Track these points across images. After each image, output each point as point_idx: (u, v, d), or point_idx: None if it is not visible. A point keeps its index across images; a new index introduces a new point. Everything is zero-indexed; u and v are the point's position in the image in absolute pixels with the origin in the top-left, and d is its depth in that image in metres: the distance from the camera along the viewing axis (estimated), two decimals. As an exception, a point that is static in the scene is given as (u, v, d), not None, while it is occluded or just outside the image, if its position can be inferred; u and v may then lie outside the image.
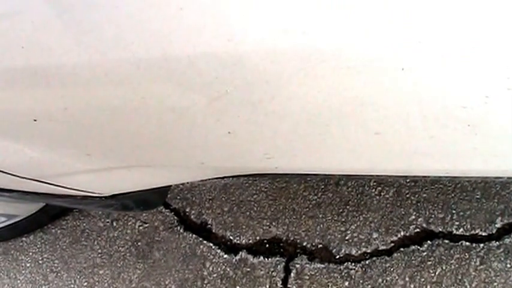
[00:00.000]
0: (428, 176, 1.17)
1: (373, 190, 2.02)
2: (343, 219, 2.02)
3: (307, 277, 1.99)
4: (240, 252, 2.12)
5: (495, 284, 1.78)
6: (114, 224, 2.35)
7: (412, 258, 1.89)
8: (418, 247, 1.90)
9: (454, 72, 0.78)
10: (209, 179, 1.43)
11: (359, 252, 1.96)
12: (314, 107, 0.89)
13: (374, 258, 1.94)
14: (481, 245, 1.83)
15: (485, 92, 0.79)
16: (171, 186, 1.60)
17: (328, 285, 1.96)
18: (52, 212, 2.34)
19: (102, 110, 0.98)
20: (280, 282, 2.03)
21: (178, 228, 2.24)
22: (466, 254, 1.84)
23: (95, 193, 1.45)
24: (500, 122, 0.86)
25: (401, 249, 1.92)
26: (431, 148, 0.97)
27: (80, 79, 0.89)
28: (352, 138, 0.97)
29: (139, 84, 0.89)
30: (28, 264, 2.43)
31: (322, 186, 2.09)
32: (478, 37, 0.72)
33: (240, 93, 0.88)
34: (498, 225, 1.84)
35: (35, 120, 1.02)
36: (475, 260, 1.82)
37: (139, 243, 2.28)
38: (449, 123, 0.87)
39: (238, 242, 2.14)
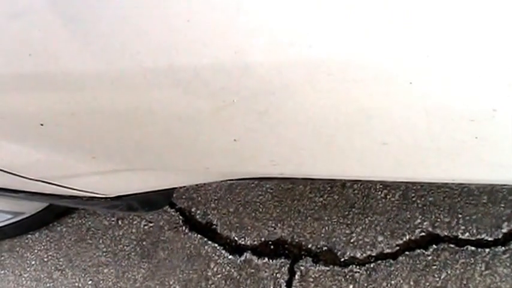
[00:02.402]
0: (435, 182, 1.17)
1: (379, 193, 2.01)
2: (348, 222, 2.01)
3: (312, 279, 1.99)
4: (245, 253, 2.12)
5: (500, 289, 1.78)
6: (120, 222, 2.35)
7: (417, 262, 1.89)
8: (424, 251, 1.90)
9: (461, 86, 0.77)
10: (215, 181, 1.43)
11: (364, 255, 1.96)
12: (320, 118, 0.89)
13: (379, 262, 1.94)
14: (487, 250, 1.83)
15: (492, 105, 0.79)
16: (176, 187, 1.61)
17: (332, 288, 1.96)
18: (58, 210, 2.35)
19: (108, 116, 0.98)
20: (285, 284, 2.03)
21: (184, 228, 2.24)
22: (472, 258, 1.83)
23: (100, 194, 1.45)
24: (508, 134, 0.86)
25: (407, 252, 1.92)
26: (438, 159, 0.96)
27: (87, 86, 0.89)
28: (359, 148, 0.97)
29: (145, 92, 0.89)
30: (33, 262, 2.44)
31: (328, 188, 2.09)
32: (486, 51, 0.72)
33: (246, 103, 0.88)
34: (504, 230, 1.83)
35: (41, 125, 1.02)
36: (480, 265, 1.82)
37: (144, 243, 2.28)
38: (457, 136, 0.87)
39: (243, 243, 2.14)
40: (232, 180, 1.39)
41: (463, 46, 0.72)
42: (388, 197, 2.00)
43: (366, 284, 1.92)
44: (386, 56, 0.75)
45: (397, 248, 1.93)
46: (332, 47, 0.75)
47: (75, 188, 1.37)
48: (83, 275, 2.33)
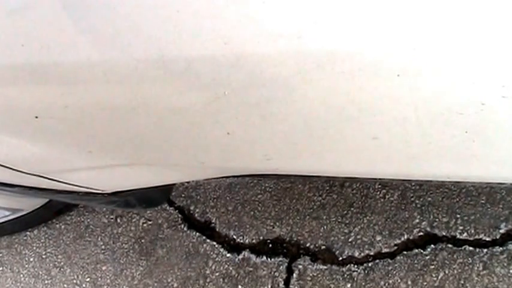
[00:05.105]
0: (432, 180, 1.17)
1: (378, 193, 2.01)
2: (347, 221, 2.01)
3: (310, 278, 1.99)
4: (243, 252, 2.12)
5: (497, 289, 1.78)
6: (118, 220, 2.35)
7: (415, 261, 1.89)
8: (421, 251, 1.90)
9: (449, 79, 0.77)
10: (213, 178, 1.43)
11: (362, 254, 1.96)
12: (311, 111, 0.89)
13: (377, 261, 1.94)
14: (485, 250, 1.83)
15: (481, 99, 0.79)
16: (174, 184, 1.60)
17: (330, 287, 1.95)
18: (56, 208, 2.35)
19: (101, 108, 0.98)
20: (283, 282, 2.03)
21: (182, 226, 2.24)
22: (469, 258, 1.83)
23: (97, 190, 1.45)
24: (497, 129, 0.86)
25: (405, 252, 1.92)
26: (429, 154, 0.96)
27: (79, 78, 0.89)
28: (350, 142, 0.97)
29: (137, 84, 0.89)
30: (31, 259, 2.44)
31: (327, 188, 2.09)
32: (473, 44, 0.72)
33: (238, 95, 0.88)
34: (502, 231, 1.83)
35: (36, 117, 1.02)
36: (478, 265, 1.82)
37: (142, 240, 2.28)
38: (447, 130, 0.87)
39: (241, 241, 2.14)
40: (229, 177, 1.39)
41: (449, 38, 0.72)
42: (386, 196, 2.00)
43: (363, 283, 1.92)
44: (372, 48, 0.75)
45: (395, 247, 1.93)
46: (320, 39, 0.75)
47: (71, 183, 1.37)
48: (81, 272, 2.34)
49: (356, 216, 2.01)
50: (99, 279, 2.30)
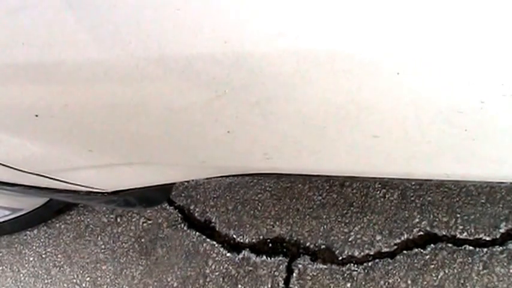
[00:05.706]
0: (432, 179, 1.17)
1: (378, 192, 2.01)
2: (347, 221, 2.01)
3: (309, 277, 1.99)
4: (243, 251, 2.12)
5: (497, 289, 1.78)
6: (118, 220, 2.35)
7: (415, 261, 1.89)
8: (421, 250, 1.90)
9: (449, 77, 0.77)
10: (213, 178, 1.43)
11: (362, 254, 1.96)
12: (310, 109, 0.89)
13: (377, 261, 1.94)
14: (485, 249, 1.83)
15: (480, 97, 0.79)
16: (174, 184, 1.60)
17: (330, 286, 1.96)
18: (56, 207, 2.35)
19: (101, 107, 0.98)
20: (282, 282, 2.03)
21: (182, 225, 2.25)
22: (469, 258, 1.83)
23: (97, 189, 1.45)
24: (496, 127, 0.86)
25: (405, 252, 1.92)
26: (429, 152, 0.96)
27: (79, 77, 0.89)
28: (350, 141, 0.97)
29: (138, 83, 0.89)
30: (31, 258, 2.44)
31: (327, 187, 2.09)
32: (472, 43, 0.72)
33: (238, 94, 0.88)
34: (502, 230, 1.83)
35: (36, 116, 1.02)
36: (478, 264, 1.82)
37: (142, 240, 2.28)
38: (446, 128, 0.87)
39: (241, 240, 2.14)
40: (229, 176, 1.39)
41: (448, 37, 0.72)
42: (386, 196, 2.00)
43: (363, 283, 1.92)
44: (372, 47, 0.75)
45: (395, 247, 1.93)
46: (320, 38, 0.75)
47: (71, 182, 1.37)
48: (81, 271, 2.34)
49: (356, 216, 2.01)
50: (99, 278, 2.30)
